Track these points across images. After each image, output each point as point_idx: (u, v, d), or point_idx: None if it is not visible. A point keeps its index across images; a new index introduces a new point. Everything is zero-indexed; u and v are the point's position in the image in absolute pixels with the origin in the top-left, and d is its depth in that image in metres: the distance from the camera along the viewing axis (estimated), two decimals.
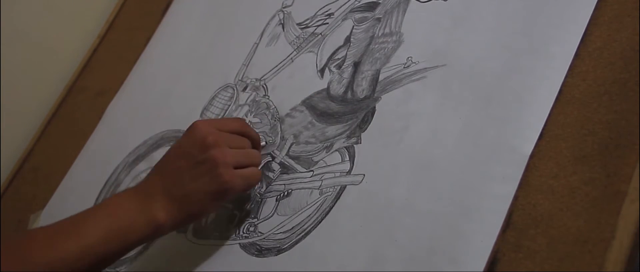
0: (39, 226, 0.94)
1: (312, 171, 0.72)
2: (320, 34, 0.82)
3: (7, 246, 0.63)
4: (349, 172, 0.69)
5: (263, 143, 0.75)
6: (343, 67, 0.77)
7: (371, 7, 0.79)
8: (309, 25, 0.84)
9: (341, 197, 0.68)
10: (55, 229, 0.65)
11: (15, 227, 1.00)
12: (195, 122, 0.69)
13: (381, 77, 0.73)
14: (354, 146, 0.70)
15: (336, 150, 0.71)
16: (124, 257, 0.82)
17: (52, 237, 0.64)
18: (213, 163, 0.66)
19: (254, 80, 0.84)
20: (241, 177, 0.67)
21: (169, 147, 0.86)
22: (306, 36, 0.83)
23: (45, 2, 1.14)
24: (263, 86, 0.83)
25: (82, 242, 0.63)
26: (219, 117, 0.85)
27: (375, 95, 0.72)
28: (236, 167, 0.67)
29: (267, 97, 0.82)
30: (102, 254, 0.64)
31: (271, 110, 0.80)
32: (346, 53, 0.78)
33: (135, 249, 0.81)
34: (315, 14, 0.84)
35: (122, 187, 0.89)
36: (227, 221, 0.75)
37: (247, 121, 0.82)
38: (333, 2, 0.83)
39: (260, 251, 0.70)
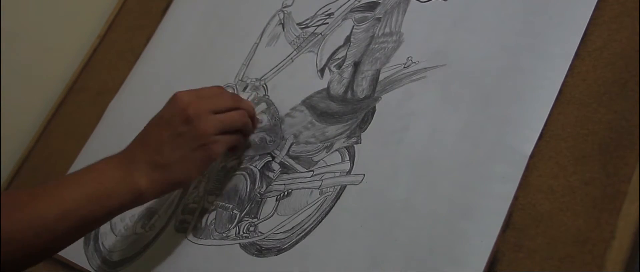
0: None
1: (312, 170, 0.72)
2: (320, 33, 0.82)
3: None
4: (349, 172, 0.69)
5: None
6: (343, 67, 0.77)
7: (371, 7, 0.79)
8: (309, 25, 0.84)
9: (341, 197, 0.68)
10: (38, 190, 0.66)
11: None
12: (176, 92, 0.70)
13: (381, 77, 0.73)
14: (354, 145, 0.70)
15: (336, 150, 0.71)
16: (124, 257, 0.82)
17: (34, 197, 0.64)
18: (196, 135, 0.68)
19: (254, 80, 0.84)
20: (225, 143, 0.70)
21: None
22: (306, 36, 0.83)
23: (45, 2, 1.14)
24: (263, 86, 0.83)
25: (63, 205, 0.63)
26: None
27: (375, 95, 0.72)
28: (219, 134, 0.69)
29: (267, 97, 0.82)
30: (82, 217, 0.64)
31: (271, 110, 0.80)
32: (346, 53, 0.78)
33: (135, 248, 0.81)
34: (315, 14, 0.84)
35: None
36: (227, 221, 0.75)
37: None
38: (333, 2, 0.83)
39: (260, 251, 0.70)
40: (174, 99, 0.70)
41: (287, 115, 0.78)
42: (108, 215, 0.67)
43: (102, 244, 0.86)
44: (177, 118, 0.68)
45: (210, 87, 0.75)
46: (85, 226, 0.66)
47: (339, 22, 0.81)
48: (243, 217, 0.74)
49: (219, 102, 0.71)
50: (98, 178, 0.66)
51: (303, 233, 0.68)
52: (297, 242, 0.68)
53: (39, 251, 0.64)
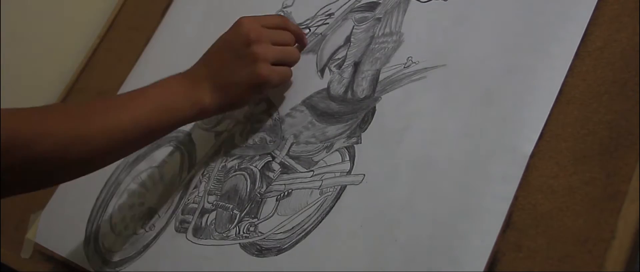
0: (38, 218, 0.95)
1: (312, 171, 0.72)
2: (321, 34, 0.82)
3: (68, 111, 0.70)
4: (349, 172, 0.69)
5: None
6: (343, 67, 0.77)
7: (371, 7, 0.79)
8: (309, 25, 0.84)
9: (341, 197, 0.68)
10: (112, 101, 0.74)
11: (15, 227, 1.00)
12: (240, 18, 0.76)
13: (381, 77, 0.73)
14: (354, 145, 0.70)
15: (336, 150, 0.71)
16: (124, 257, 0.82)
17: (109, 107, 0.70)
18: (253, 58, 0.73)
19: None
20: (277, 73, 0.75)
21: (170, 147, 0.87)
22: (306, 36, 0.83)
23: (45, 2, 1.14)
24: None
25: (134, 114, 0.69)
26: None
27: (376, 95, 0.72)
28: (274, 64, 0.74)
29: (267, 97, 0.82)
30: (151, 126, 0.70)
31: (271, 110, 0.80)
32: (346, 53, 0.78)
33: (135, 248, 0.81)
34: (315, 14, 0.84)
35: (122, 187, 0.89)
36: (227, 221, 0.75)
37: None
38: (333, 2, 0.83)
39: (260, 251, 0.70)
40: (238, 24, 0.75)
41: (287, 115, 0.78)
42: (173, 125, 0.73)
43: (102, 244, 0.86)
44: (238, 40, 0.74)
45: (273, 16, 0.82)
46: (154, 133, 0.73)
47: (339, 22, 0.81)
48: (243, 217, 0.74)
49: (280, 36, 0.76)
50: (165, 93, 0.72)
51: (303, 233, 0.68)
52: (297, 242, 0.68)
53: (109, 154, 0.71)
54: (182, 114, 0.73)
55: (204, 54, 0.77)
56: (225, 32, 0.76)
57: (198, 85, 0.73)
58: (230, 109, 0.78)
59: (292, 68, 0.78)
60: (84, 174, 0.71)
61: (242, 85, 0.74)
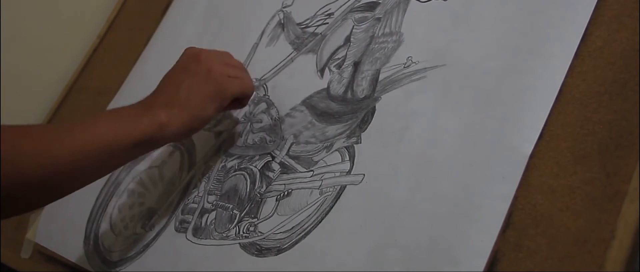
0: (38, 218, 0.95)
1: (312, 170, 0.72)
2: (320, 33, 0.82)
3: (29, 134, 0.66)
4: (349, 172, 0.69)
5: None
6: (343, 66, 0.77)
7: (371, 7, 0.79)
8: (309, 25, 0.84)
9: (341, 197, 0.68)
10: (71, 124, 0.70)
11: (15, 227, 1.00)
12: (187, 48, 0.77)
13: (381, 77, 0.73)
14: (354, 145, 0.70)
15: (336, 150, 0.71)
16: (123, 257, 0.82)
17: (73, 129, 0.67)
18: (208, 69, 0.73)
19: (254, 80, 0.84)
20: (234, 82, 0.75)
21: (170, 147, 0.87)
22: (306, 36, 0.83)
23: (45, 2, 1.14)
24: (263, 86, 0.83)
25: (93, 133, 0.66)
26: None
27: (375, 95, 0.72)
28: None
29: (267, 97, 0.82)
30: (108, 147, 0.67)
31: (271, 110, 0.80)
32: (346, 53, 0.78)
33: (135, 248, 0.81)
34: (315, 14, 0.84)
35: (122, 187, 0.89)
36: (227, 221, 0.75)
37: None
38: (333, 2, 0.83)
39: (260, 251, 0.70)
40: (186, 51, 0.76)
41: (287, 115, 0.78)
42: (134, 147, 0.69)
43: (102, 244, 0.86)
44: (191, 62, 0.74)
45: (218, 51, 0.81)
46: (112, 157, 0.68)
47: (339, 22, 0.81)
48: (243, 217, 0.74)
49: (227, 57, 0.79)
50: (120, 112, 0.71)
51: (303, 233, 0.68)
52: (297, 242, 0.68)
53: (74, 178, 0.67)
54: (140, 132, 0.69)
55: (157, 87, 0.75)
56: (175, 63, 0.76)
57: (154, 107, 0.71)
58: (193, 124, 0.73)
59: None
60: (51, 201, 0.69)
61: (203, 99, 0.72)
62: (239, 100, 0.78)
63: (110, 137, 0.67)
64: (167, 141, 0.72)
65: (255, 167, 0.77)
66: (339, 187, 0.68)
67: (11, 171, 0.61)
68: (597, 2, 0.63)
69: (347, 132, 0.72)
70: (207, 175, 0.81)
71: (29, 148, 0.63)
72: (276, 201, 0.73)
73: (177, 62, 0.76)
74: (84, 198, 0.91)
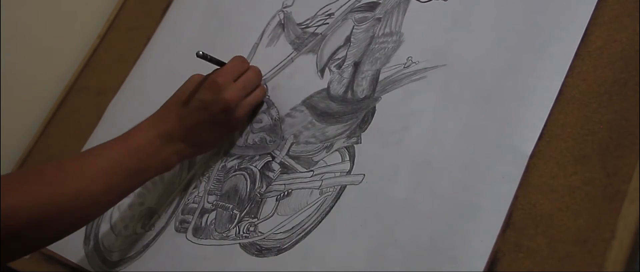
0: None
1: (312, 170, 0.72)
2: (321, 34, 0.82)
3: (42, 176, 0.67)
4: (349, 172, 0.69)
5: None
6: (343, 67, 0.77)
7: (371, 7, 0.79)
8: (309, 25, 0.84)
9: (341, 197, 0.68)
10: (82, 163, 0.70)
11: None
12: (214, 77, 0.76)
13: (381, 77, 0.73)
14: (354, 145, 0.70)
15: (336, 150, 0.71)
16: (123, 257, 0.82)
17: (82, 170, 0.69)
18: (229, 115, 0.75)
19: None
20: (248, 105, 0.78)
21: None
22: (306, 36, 0.83)
23: (45, 2, 1.14)
24: (263, 86, 0.83)
25: (108, 178, 0.69)
26: None
27: (375, 95, 0.72)
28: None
29: (267, 97, 0.82)
30: (121, 188, 0.71)
31: (271, 110, 0.80)
32: (346, 53, 0.78)
33: (135, 248, 0.81)
34: (315, 14, 0.84)
35: None
36: (227, 221, 0.75)
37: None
38: (333, 2, 0.83)
39: (260, 251, 0.70)
40: (207, 84, 0.75)
41: (287, 115, 0.78)
42: (140, 185, 0.74)
43: (102, 244, 0.86)
44: (216, 107, 0.74)
45: (234, 61, 0.81)
46: (121, 194, 0.73)
47: (339, 22, 0.81)
48: (243, 217, 0.74)
49: (236, 69, 0.79)
50: (138, 155, 0.72)
51: (303, 233, 0.68)
52: (297, 242, 0.68)
53: (78, 219, 0.70)
54: (150, 174, 0.73)
55: (180, 108, 0.75)
56: (198, 91, 0.75)
57: (171, 144, 0.74)
58: (203, 152, 0.80)
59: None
60: (61, 238, 0.69)
61: (219, 138, 0.79)
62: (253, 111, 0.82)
63: (124, 185, 0.71)
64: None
65: (255, 167, 0.77)
66: (339, 187, 0.68)
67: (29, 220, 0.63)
68: (597, 2, 0.63)
69: (347, 132, 0.72)
70: (207, 175, 0.81)
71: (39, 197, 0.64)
72: (276, 201, 0.73)
73: (201, 93, 0.75)
74: None
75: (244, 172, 0.78)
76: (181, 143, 0.74)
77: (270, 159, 0.76)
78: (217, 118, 0.75)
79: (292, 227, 0.69)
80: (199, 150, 0.78)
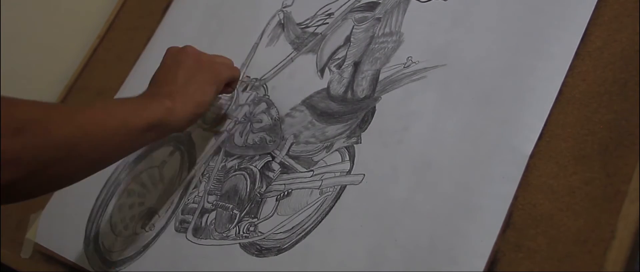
0: (38, 218, 0.96)
1: (312, 170, 0.72)
2: (321, 33, 0.82)
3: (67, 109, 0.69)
4: (349, 172, 0.69)
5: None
6: (343, 66, 0.77)
7: (371, 7, 0.79)
8: (309, 25, 0.84)
9: (341, 197, 0.68)
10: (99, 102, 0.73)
11: (15, 227, 1.00)
12: (168, 48, 0.81)
13: (381, 77, 0.73)
14: (354, 145, 0.70)
15: (336, 150, 0.71)
16: (123, 257, 0.82)
17: (99, 109, 0.68)
18: (197, 59, 0.78)
19: (254, 80, 0.84)
20: (223, 65, 0.81)
21: (170, 147, 0.87)
22: (306, 36, 0.83)
23: (45, 2, 1.14)
24: (263, 86, 0.83)
25: (107, 116, 0.67)
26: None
27: (375, 95, 0.72)
28: None
29: (267, 97, 0.82)
30: (125, 128, 0.68)
31: (271, 110, 0.80)
32: (346, 53, 0.78)
33: (135, 248, 0.81)
34: (315, 14, 0.84)
35: (122, 187, 0.89)
36: (227, 221, 0.75)
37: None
38: (333, 2, 0.83)
39: (260, 251, 0.70)
40: (169, 50, 0.80)
41: (287, 115, 0.78)
42: (147, 130, 0.69)
43: (102, 244, 0.86)
44: (178, 56, 0.78)
45: None
46: (125, 140, 0.69)
47: (339, 22, 0.81)
48: (243, 217, 0.74)
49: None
50: (124, 99, 0.74)
51: (303, 233, 0.68)
52: (297, 242, 0.68)
53: (97, 160, 0.69)
54: (151, 112, 0.70)
55: (151, 82, 0.78)
56: (162, 63, 0.79)
57: (157, 95, 0.73)
58: (197, 109, 0.75)
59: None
60: (62, 186, 0.69)
61: (199, 84, 0.76)
62: (229, 84, 0.82)
63: (126, 117, 0.68)
64: (175, 129, 0.73)
65: (255, 167, 0.77)
66: (339, 187, 0.68)
67: (24, 148, 0.61)
68: (597, 2, 0.63)
69: (347, 132, 0.72)
70: (207, 175, 0.81)
71: (39, 128, 0.64)
72: (276, 200, 0.73)
73: (163, 61, 0.79)
74: (84, 198, 0.91)
75: (244, 172, 0.78)
76: (165, 95, 0.73)
77: (270, 159, 0.76)
78: (182, 64, 0.77)
79: (292, 227, 0.69)
80: (189, 97, 0.75)
